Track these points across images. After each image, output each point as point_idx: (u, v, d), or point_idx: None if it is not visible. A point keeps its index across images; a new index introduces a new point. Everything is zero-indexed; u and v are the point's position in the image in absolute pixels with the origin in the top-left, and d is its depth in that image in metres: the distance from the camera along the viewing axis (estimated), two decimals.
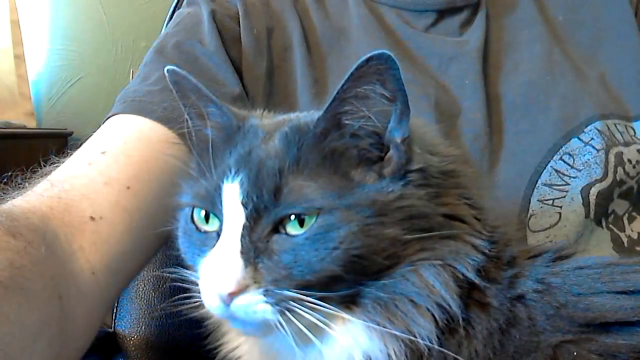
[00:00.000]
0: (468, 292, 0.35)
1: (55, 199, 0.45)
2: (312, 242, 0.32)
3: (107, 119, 0.57)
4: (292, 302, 0.32)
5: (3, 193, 0.46)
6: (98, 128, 0.57)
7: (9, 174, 0.49)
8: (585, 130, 0.62)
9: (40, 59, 2.13)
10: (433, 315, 0.34)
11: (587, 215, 0.59)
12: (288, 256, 0.33)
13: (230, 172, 0.35)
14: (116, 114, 0.56)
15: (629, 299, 0.34)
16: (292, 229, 0.33)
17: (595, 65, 0.68)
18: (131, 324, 0.73)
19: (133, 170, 0.49)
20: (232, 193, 0.35)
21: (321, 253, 0.32)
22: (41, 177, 0.49)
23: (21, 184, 0.48)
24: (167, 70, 0.40)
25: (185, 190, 0.39)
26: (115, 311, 0.78)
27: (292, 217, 0.33)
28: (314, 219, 0.33)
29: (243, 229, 0.34)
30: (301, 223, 0.33)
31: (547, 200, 0.60)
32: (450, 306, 0.34)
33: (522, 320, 0.34)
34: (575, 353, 0.32)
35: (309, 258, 0.32)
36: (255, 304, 0.33)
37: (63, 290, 0.40)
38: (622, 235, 0.61)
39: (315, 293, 0.33)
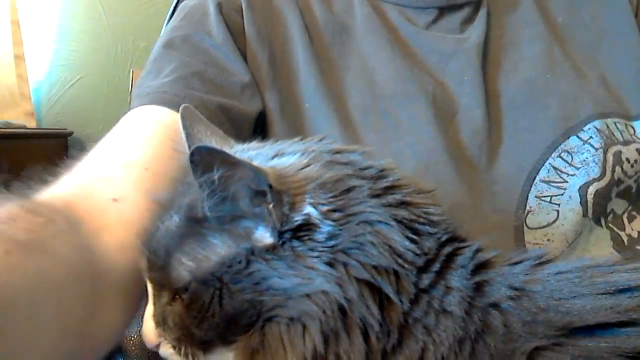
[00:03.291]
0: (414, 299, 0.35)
1: (76, 185, 0.46)
2: (188, 310, 0.37)
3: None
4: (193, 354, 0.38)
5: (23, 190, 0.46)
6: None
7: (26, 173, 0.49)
8: (584, 128, 0.62)
9: (40, 59, 2.13)
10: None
11: (585, 214, 0.59)
12: (180, 321, 0.37)
13: (141, 251, 0.40)
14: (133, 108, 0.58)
15: (610, 298, 0.33)
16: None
17: (596, 65, 0.68)
18: (131, 324, 0.73)
19: (151, 152, 0.50)
20: (143, 267, 0.40)
21: (195, 320, 0.37)
22: (62, 171, 0.49)
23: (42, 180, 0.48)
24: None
25: None
26: None
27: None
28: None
29: (153, 297, 0.39)
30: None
31: (544, 197, 0.60)
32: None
33: (497, 327, 0.34)
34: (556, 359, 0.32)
35: (188, 323, 0.37)
36: (170, 355, 0.39)
37: (91, 260, 0.40)
38: (622, 234, 0.61)
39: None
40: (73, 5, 2.12)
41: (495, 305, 0.34)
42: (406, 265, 0.35)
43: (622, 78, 0.67)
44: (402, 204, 0.37)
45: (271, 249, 0.35)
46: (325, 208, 0.35)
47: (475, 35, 0.68)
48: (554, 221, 0.59)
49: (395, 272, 0.35)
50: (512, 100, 0.65)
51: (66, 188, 0.46)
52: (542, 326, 0.33)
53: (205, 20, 0.66)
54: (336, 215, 0.35)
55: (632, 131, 0.65)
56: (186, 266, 0.36)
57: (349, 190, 0.36)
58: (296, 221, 0.35)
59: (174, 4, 0.85)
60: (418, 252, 0.36)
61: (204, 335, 0.36)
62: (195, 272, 0.36)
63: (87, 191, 0.45)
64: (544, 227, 0.59)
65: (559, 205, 0.60)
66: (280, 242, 0.35)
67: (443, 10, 0.70)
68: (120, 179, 0.47)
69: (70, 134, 2.08)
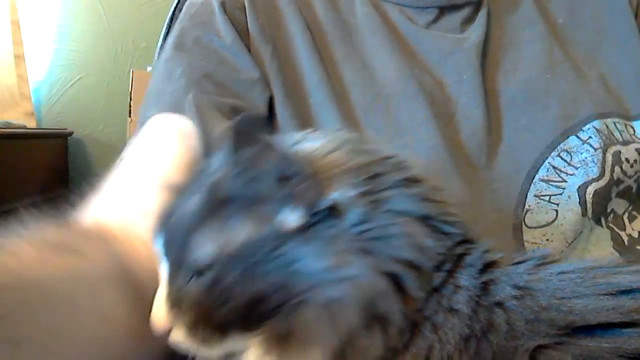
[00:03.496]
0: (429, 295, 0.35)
1: (104, 205, 0.48)
2: (207, 292, 0.35)
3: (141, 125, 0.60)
4: (208, 340, 0.36)
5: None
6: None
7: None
8: (584, 128, 0.62)
9: (40, 59, 2.13)
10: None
11: (584, 214, 0.59)
12: (197, 303, 0.36)
13: (158, 229, 0.38)
14: (150, 116, 0.59)
15: (612, 299, 0.33)
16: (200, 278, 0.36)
17: (595, 65, 0.68)
18: None
19: (173, 162, 0.51)
20: (159, 247, 0.38)
21: (214, 302, 0.35)
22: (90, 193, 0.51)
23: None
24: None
25: None
26: None
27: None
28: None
29: (169, 277, 0.37)
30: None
31: (543, 196, 0.60)
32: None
33: (500, 325, 0.34)
34: (558, 358, 0.32)
35: (207, 306, 0.35)
36: (181, 340, 0.37)
37: (125, 266, 0.40)
38: (622, 234, 0.61)
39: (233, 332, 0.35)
40: (73, 5, 2.13)
41: (499, 304, 0.34)
42: (426, 263, 0.35)
43: (622, 78, 0.67)
44: (424, 199, 0.37)
45: (298, 233, 0.34)
46: (352, 193, 0.34)
47: (475, 35, 0.68)
48: (553, 221, 0.59)
49: (418, 268, 0.35)
50: (512, 100, 0.65)
51: (95, 209, 0.47)
52: (545, 325, 0.33)
53: (212, 20, 0.67)
54: (363, 200, 0.34)
55: (631, 131, 0.65)
56: (207, 248, 0.35)
57: (374, 176, 0.36)
58: (323, 205, 0.34)
59: (174, 4, 0.85)
60: (437, 250, 0.36)
61: (223, 318, 0.35)
62: (217, 254, 0.35)
63: (115, 209, 0.47)
64: (542, 226, 0.59)
65: (557, 204, 0.60)
66: (307, 227, 0.34)
67: (443, 10, 0.70)
68: (145, 192, 0.48)
69: (70, 134, 2.08)
